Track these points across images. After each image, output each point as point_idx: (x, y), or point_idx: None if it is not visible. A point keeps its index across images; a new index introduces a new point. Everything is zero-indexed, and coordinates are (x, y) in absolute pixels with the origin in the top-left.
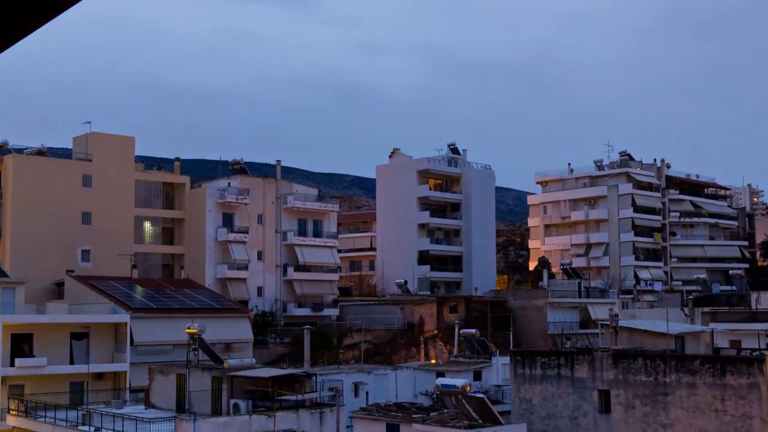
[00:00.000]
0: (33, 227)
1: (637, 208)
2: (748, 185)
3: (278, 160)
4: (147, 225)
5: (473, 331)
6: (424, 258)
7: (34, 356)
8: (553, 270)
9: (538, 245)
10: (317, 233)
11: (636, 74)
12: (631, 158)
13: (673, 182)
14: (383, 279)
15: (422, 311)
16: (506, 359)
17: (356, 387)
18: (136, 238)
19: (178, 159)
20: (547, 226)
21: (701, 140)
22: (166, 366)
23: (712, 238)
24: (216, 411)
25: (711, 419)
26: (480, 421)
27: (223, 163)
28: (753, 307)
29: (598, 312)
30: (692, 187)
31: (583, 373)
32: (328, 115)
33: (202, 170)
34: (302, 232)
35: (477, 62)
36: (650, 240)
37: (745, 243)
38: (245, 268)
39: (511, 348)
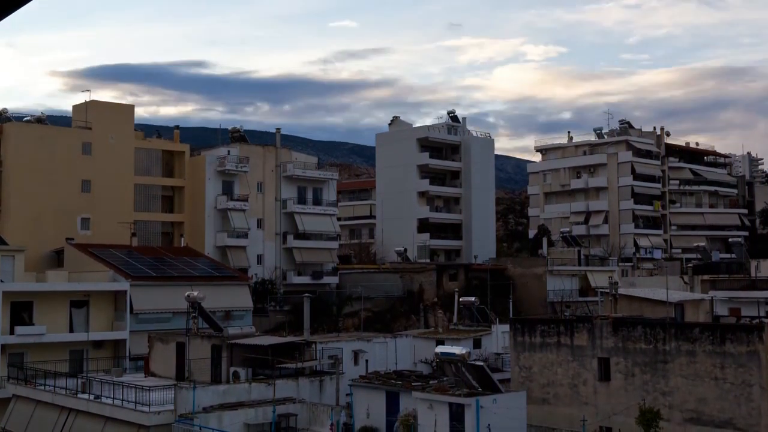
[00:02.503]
0: (32, 195)
1: (637, 176)
2: (748, 153)
3: (278, 128)
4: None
5: (473, 299)
6: (423, 226)
7: (33, 324)
8: (553, 238)
9: (537, 213)
10: (317, 201)
11: None
12: (631, 126)
13: (672, 150)
14: (383, 247)
15: (422, 279)
16: (506, 327)
17: (356, 355)
18: (136, 206)
19: (177, 127)
20: (546, 194)
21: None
22: (165, 334)
23: (711, 206)
24: (216, 379)
25: (710, 387)
26: (479, 389)
27: (223, 131)
28: (752, 274)
29: (598, 280)
30: (692, 154)
31: (583, 341)
32: None
33: (201, 138)
34: (302, 200)
35: None
36: (650, 208)
37: (745, 211)
38: (245, 236)
39: (511, 316)
